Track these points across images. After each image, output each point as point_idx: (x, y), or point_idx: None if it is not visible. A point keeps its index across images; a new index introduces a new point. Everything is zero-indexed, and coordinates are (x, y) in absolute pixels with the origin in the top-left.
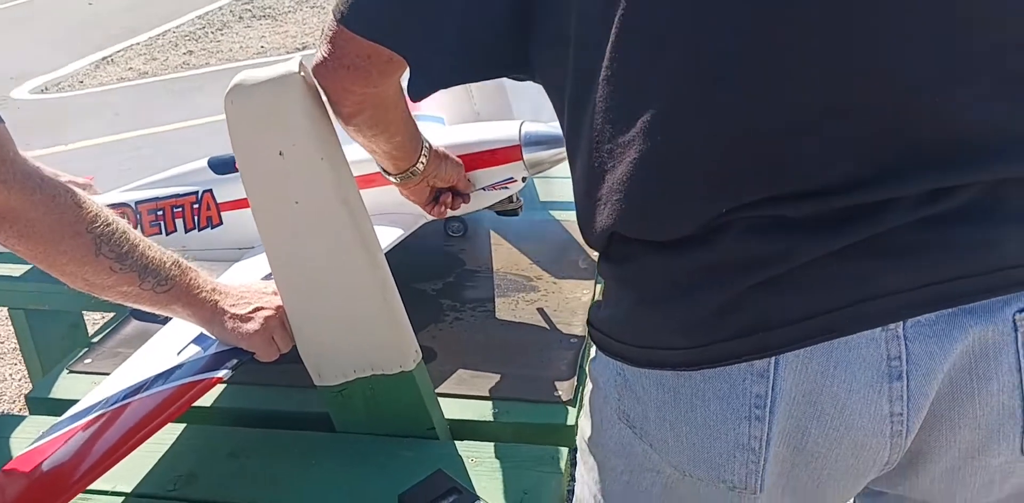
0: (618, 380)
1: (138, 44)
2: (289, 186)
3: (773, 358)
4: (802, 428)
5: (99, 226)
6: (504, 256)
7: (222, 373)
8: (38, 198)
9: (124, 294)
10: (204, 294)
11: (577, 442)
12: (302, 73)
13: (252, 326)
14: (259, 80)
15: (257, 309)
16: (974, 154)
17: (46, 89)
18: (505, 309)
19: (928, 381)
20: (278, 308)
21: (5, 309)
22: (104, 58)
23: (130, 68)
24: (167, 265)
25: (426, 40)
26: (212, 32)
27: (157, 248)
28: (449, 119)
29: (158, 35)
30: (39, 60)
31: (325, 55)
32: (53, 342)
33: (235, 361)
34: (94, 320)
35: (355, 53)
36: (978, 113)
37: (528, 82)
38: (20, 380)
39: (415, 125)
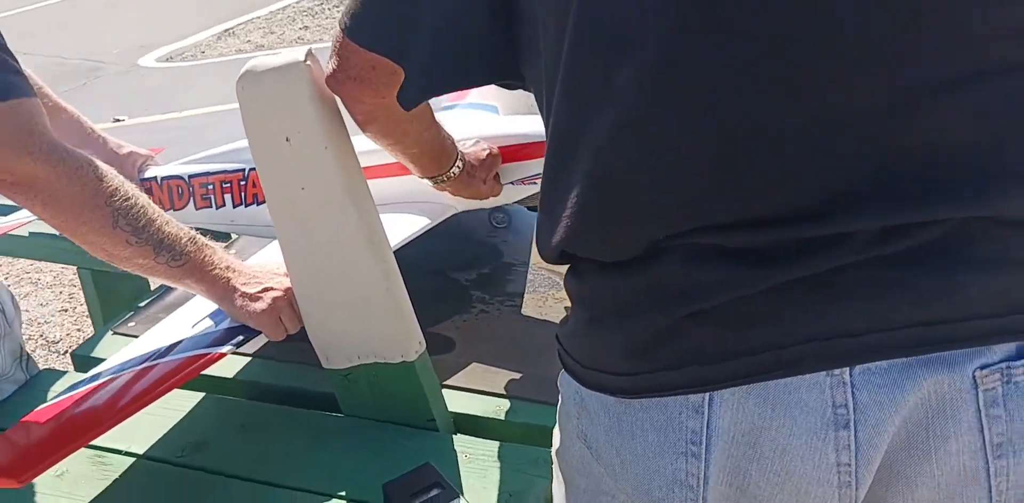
0: (576, 399)
1: (259, 18)
2: (296, 172)
3: (708, 394)
4: (742, 469)
5: (118, 200)
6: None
7: (226, 349)
8: (62, 170)
9: (141, 266)
10: (217, 271)
11: (551, 453)
12: (308, 62)
13: (260, 305)
14: (267, 67)
15: (267, 289)
16: (940, 188)
17: (171, 58)
18: (532, 305)
19: (878, 433)
20: (287, 289)
21: None
22: (226, 30)
23: (248, 41)
24: (183, 241)
25: (416, 49)
26: (329, 8)
27: (175, 224)
28: (502, 108)
29: (279, 9)
30: (168, 30)
31: (334, 67)
32: (117, 302)
33: (241, 338)
34: None
35: (360, 65)
36: (947, 143)
37: None
38: None
39: (442, 142)
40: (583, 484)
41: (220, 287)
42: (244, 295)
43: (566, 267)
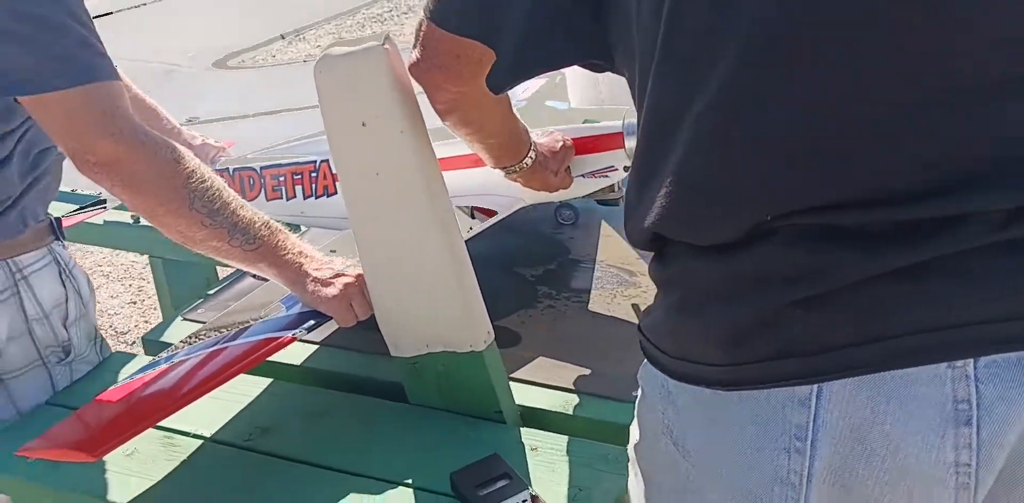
0: (662, 392)
1: (329, 24)
2: (370, 157)
3: (816, 386)
4: (850, 467)
5: (194, 182)
6: (611, 248)
7: (296, 333)
8: (141, 151)
9: (215, 249)
10: (290, 256)
11: (628, 450)
12: (387, 46)
13: (331, 291)
14: (345, 51)
15: (338, 275)
16: None
17: (243, 62)
18: (600, 302)
19: (1003, 432)
20: (359, 276)
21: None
22: (297, 35)
23: (318, 45)
24: (256, 225)
25: (506, 31)
26: (398, 16)
27: (250, 209)
28: (575, 104)
29: (348, 16)
30: (241, 35)
31: (418, 55)
32: (186, 291)
33: (312, 322)
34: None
35: (445, 52)
36: None
37: None
38: None
39: (518, 133)
40: (667, 482)
41: (292, 272)
42: (316, 280)
43: (636, 262)
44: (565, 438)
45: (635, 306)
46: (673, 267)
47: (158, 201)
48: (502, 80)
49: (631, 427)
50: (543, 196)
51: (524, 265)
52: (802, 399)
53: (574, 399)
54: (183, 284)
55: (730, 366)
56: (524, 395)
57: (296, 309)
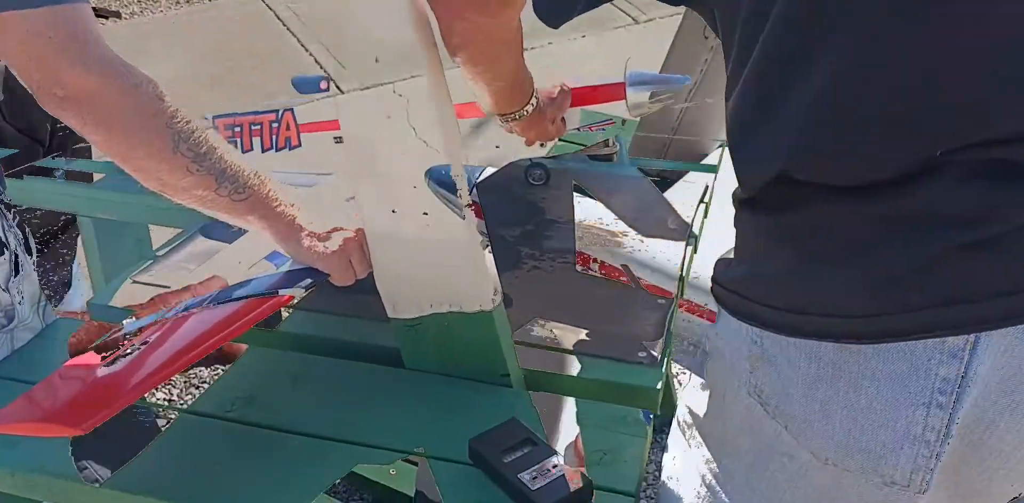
0: (753, 349)
1: None
2: (383, 97)
3: (973, 335)
4: (988, 421)
5: (179, 122)
6: (587, 209)
7: (294, 292)
8: (118, 84)
9: (199, 198)
10: (282, 207)
11: (679, 413)
12: None
13: (330, 246)
14: None
15: (335, 229)
16: None
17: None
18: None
19: None
20: (358, 231)
21: None
22: None
23: None
24: (246, 173)
25: None
26: None
27: (237, 154)
28: None
29: None
30: None
31: None
32: (118, 253)
33: (308, 281)
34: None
35: None
36: None
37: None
38: None
39: (525, 76)
40: (747, 444)
41: (285, 225)
42: (312, 234)
43: (615, 223)
44: (577, 401)
45: (625, 266)
46: (795, 212)
47: (137, 141)
48: (564, 9)
49: (686, 389)
50: (535, 151)
51: (500, 226)
52: (954, 351)
53: (578, 361)
54: (116, 246)
55: (870, 317)
56: (524, 357)
57: (287, 267)
